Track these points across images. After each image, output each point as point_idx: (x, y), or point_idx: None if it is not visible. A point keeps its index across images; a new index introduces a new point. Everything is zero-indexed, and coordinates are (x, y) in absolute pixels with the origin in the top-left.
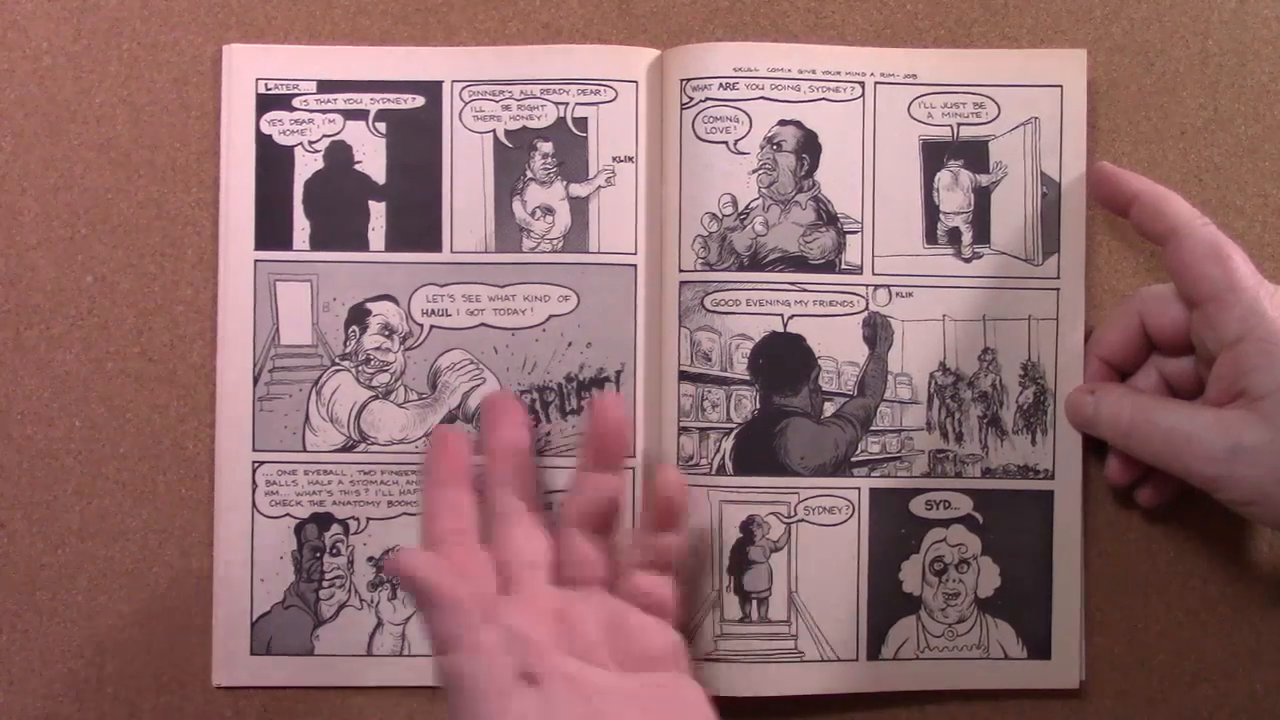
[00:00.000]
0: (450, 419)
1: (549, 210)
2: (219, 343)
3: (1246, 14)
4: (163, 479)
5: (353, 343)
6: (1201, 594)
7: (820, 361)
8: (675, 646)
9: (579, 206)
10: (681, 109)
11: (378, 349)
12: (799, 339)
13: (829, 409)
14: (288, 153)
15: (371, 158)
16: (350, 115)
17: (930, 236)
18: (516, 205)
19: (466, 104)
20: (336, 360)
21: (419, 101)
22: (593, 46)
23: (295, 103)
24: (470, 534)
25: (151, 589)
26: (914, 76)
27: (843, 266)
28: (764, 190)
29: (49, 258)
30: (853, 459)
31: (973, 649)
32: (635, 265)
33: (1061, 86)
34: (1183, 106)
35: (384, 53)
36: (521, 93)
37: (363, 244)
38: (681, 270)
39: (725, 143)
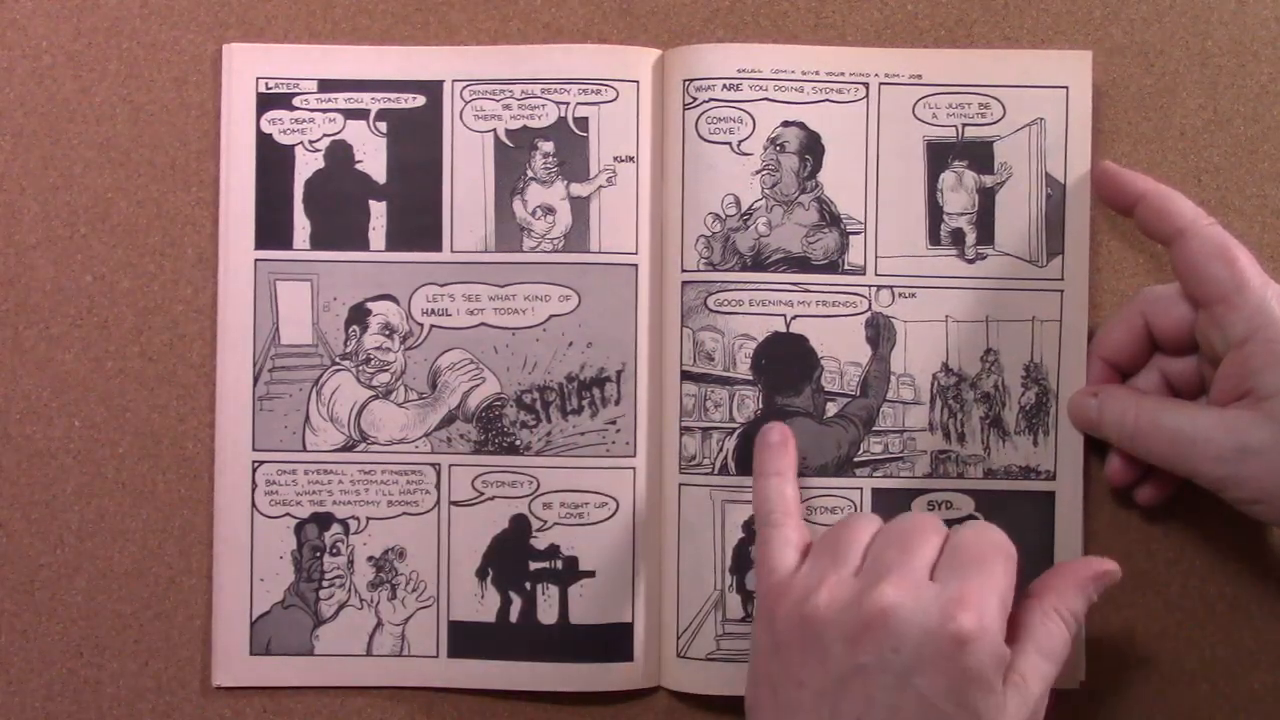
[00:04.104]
0: (450, 419)
1: (550, 210)
2: (219, 342)
3: (1246, 14)
4: (162, 479)
5: (353, 342)
6: (1201, 594)
7: (823, 362)
8: None
9: (580, 206)
10: (684, 109)
11: (378, 349)
12: (802, 339)
13: (831, 409)
14: (288, 152)
15: (372, 157)
16: (351, 114)
17: (934, 237)
18: (517, 205)
19: (467, 103)
20: (337, 360)
21: (419, 101)
22: (594, 46)
23: (296, 102)
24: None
25: (151, 589)
26: (919, 77)
27: (846, 267)
28: (767, 191)
29: (49, 258)
30: (855, 459)
31: None
32: (636, 265)
33: (1067, 88)
34: (1183, 107)
35: (384, 52)
36: (522, 92)
37: (363, 243)
38: (684, 270)
39: (728, 143)
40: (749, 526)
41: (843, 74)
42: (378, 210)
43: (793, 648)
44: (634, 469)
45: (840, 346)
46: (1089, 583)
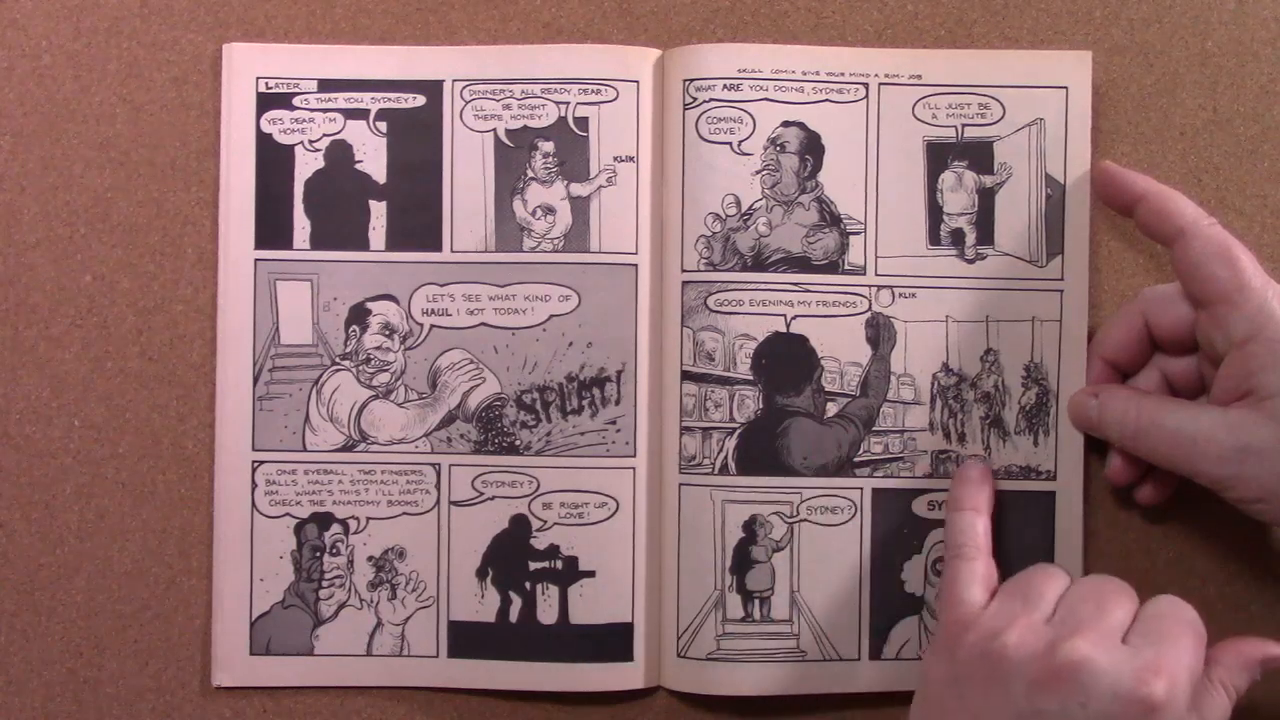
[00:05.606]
0: (450, 419)
1: (550, 210)
2: (219, 342)
3: (1246, 14)
4: (162, 479)
5: (353, 342)
6: (1201, 594)
7: (823, 362)
8: None
9: (580, 206)
10: (684, 109)
11: (378, 348)
12: (802, 339)
13: (832, 409)
14: (288, 152)
15: (372, 157)
16: (351, 114)
17: (934, 237)
18: (517, 205)
19: (467, 103)
20: (337, 360)
21: (420, 101)
22: (594, 46)
23: (296, 102)
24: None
25: (151, 589)
26: (919, 77)
27: (846, 267)
28: (767, 191)
29: (49, 258)
30: (855, 459)
31: None
32: (636, 265)
33: (1067, 88)
34: (1183, 107)
35: (385, 52)
36: (522, 92)
37: (363, 243)
38: (684, 270)
39: (729, 143)
40: (749, 526)
41: (843, 74)
42: (378, 210)
43: (974, 681)
44: (634, 469)
45: (840, 346)
46: (1257, 664)
